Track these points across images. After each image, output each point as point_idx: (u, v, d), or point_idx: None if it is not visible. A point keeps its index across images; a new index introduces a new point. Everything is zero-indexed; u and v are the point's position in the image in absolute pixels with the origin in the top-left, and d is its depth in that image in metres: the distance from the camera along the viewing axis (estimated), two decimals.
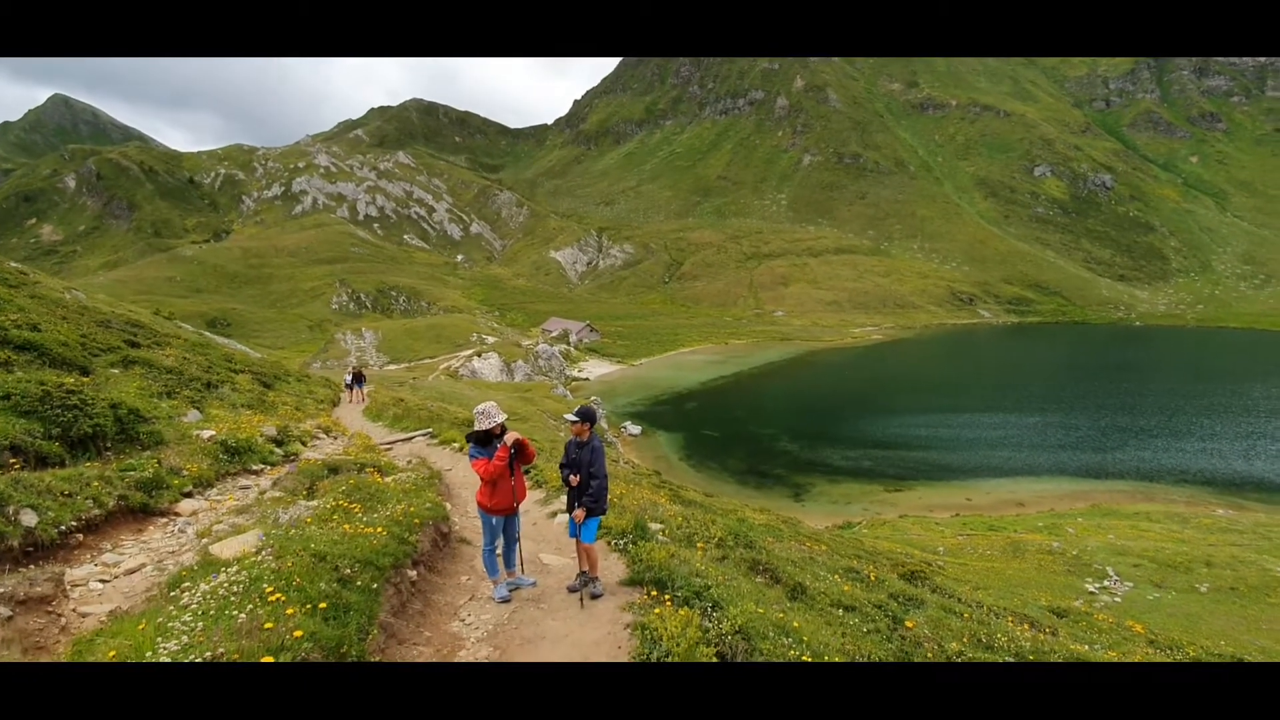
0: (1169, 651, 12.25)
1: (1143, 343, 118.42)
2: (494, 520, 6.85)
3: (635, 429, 57.79)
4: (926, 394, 75.60)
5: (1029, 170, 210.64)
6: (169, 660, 3.89)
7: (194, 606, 4.61)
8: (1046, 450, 51.14)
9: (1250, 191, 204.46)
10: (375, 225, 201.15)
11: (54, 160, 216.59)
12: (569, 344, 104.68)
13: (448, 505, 9.88)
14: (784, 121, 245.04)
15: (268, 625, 4.30)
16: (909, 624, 7.57)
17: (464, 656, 5.73)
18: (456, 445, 16.80)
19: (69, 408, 8.60)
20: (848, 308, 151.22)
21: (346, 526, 6.84)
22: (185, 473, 9.00)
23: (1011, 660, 7.29)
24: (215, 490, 9.41)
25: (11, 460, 7.29)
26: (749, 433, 58.20)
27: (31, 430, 7.91)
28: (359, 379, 28.64)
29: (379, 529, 6.92)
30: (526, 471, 11.88)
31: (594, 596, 6.62)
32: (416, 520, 7.71)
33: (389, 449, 17.02)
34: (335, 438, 16.73)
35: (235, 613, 4.44)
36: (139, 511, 7.60)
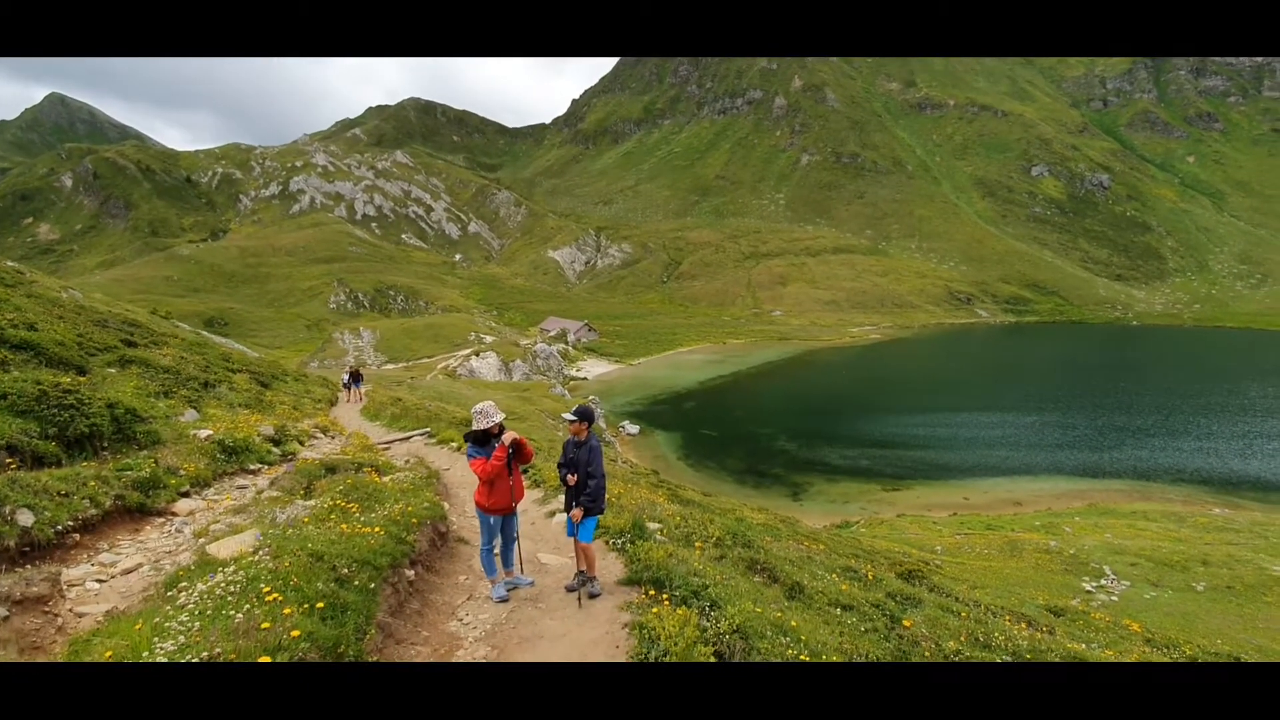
0: (1166, 650, 12.28)
1: (1140, 342, 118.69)
2: (492, 520, 6.85)
3: (633, 428, 57.79)
4: (924, 393, 75.71)
5: (1026, 170, 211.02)
6: (166, 660, 3.88)
7: (191, 606, 4.60)
8: (1044, 450, 51.25)
9: (1247, 191, 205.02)
10: (373, 224, 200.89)
11: (51, 159, 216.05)
12: (567, 343, 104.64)
13: (446, 505, 9.88)
14: (782, 121, 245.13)
15: (265, 625, 4.29)
16: (906, 623, 7.57)
17: (462, 656, 5.73)
18: (454, 445, 16.79)
19: (65, 407, 8.58)
20: (846, 307, 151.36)
21: (344, 526, 6.83)
22: (182, 472, 8.99)
23: (1009, 659, 7.30)
24: (212, 490, 9.40)
25: (8, 460, 7.27)
26: (747, 432, 58.23)
27: (28, 430, 7.89)
28: (356, 378, 28.60)
29: (376, 529, 6.91)
30: (525, 471, 11.88)
31: (592, 596, 6.62)
32: (414, 520, 7.71)
33: (387, 448, 17.00)
34: (333, 437, 16.70)
35: (232, 613, 4.43)
36: (136, 511, 7.59)
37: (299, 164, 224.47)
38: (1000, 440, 53.51)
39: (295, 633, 4.32)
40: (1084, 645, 9.89)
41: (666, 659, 4.95)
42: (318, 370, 67.20)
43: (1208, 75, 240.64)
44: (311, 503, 8.01)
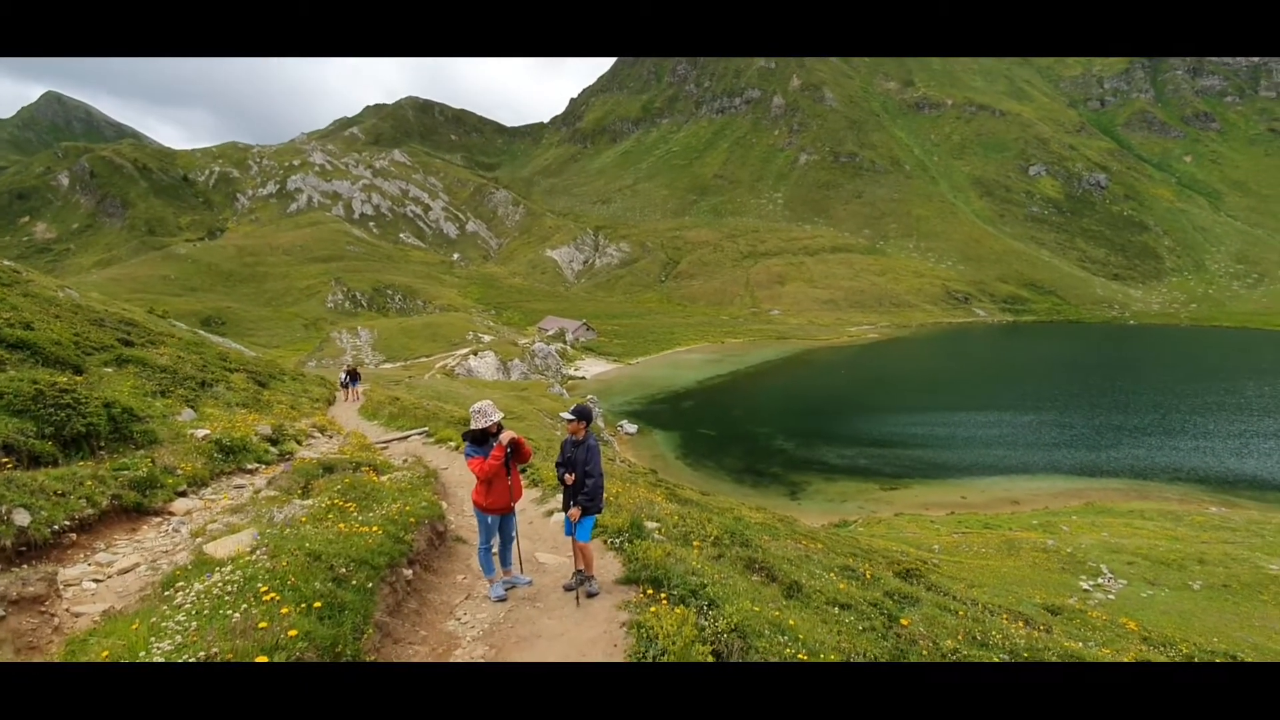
0: (1162, 648, 12.32)
1: (1136, 341, 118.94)
2: (490, 519, 6.84)
3: (632, 428, 57.78)
4: (922, 393, 75.82)
5: (1024, 169, 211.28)
6: (163, 660, 3.87)
7: (188, 606, 4.59)
8: (1041, 449, 51.36)
9: (1243, 191, 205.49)
10: (371, 223, 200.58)
11: (47, 158, 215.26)
12: (565, 343, 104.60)
13: (444, 504, 9.87)
14: (780, 120, 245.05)
15: (262, 625, 4.29)
16: (904, 621, 7.59)
17: (459, 655, 5.73)
18: (452, 444, 16.78)
19: (62, 406, 8.55)
20: (844, 306, 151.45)
21: (342, 525, 6.82)
22: (179, 472, 8.96)
23: (1006, 657, 7.32)
24: (210, 489, 9.37)
25: (4, 459, 7.25)
26: (745, 431, 58.26)
27: (24, 429, 7.87)
28: (354, 377, 28.58)
29: (374, 528, 6.90)
30: (523, 470, 11.87)
31: (590, 595, 6.62)
32: (412, 519, 7.70)
33: (385, 448, 16.98)
34: (330, 436, 16.68)
35: (229, 612, 4.42)
36: (133, 511, 7.57)
37: (296, 163, 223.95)
38: (998, 439, 53.60)
39: (293, 632, 4.31)
40: (1081, 644, 9.91)
41: (664, 658, 4.95)
42: (315, 370, 67.05)
43: (1205, 75, 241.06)
44: (309, 502, 8.00)
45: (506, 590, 6.94)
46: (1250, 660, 13.40)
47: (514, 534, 7.21)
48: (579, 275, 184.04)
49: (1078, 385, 77.61)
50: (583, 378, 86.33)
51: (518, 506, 7.19)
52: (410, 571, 6.92)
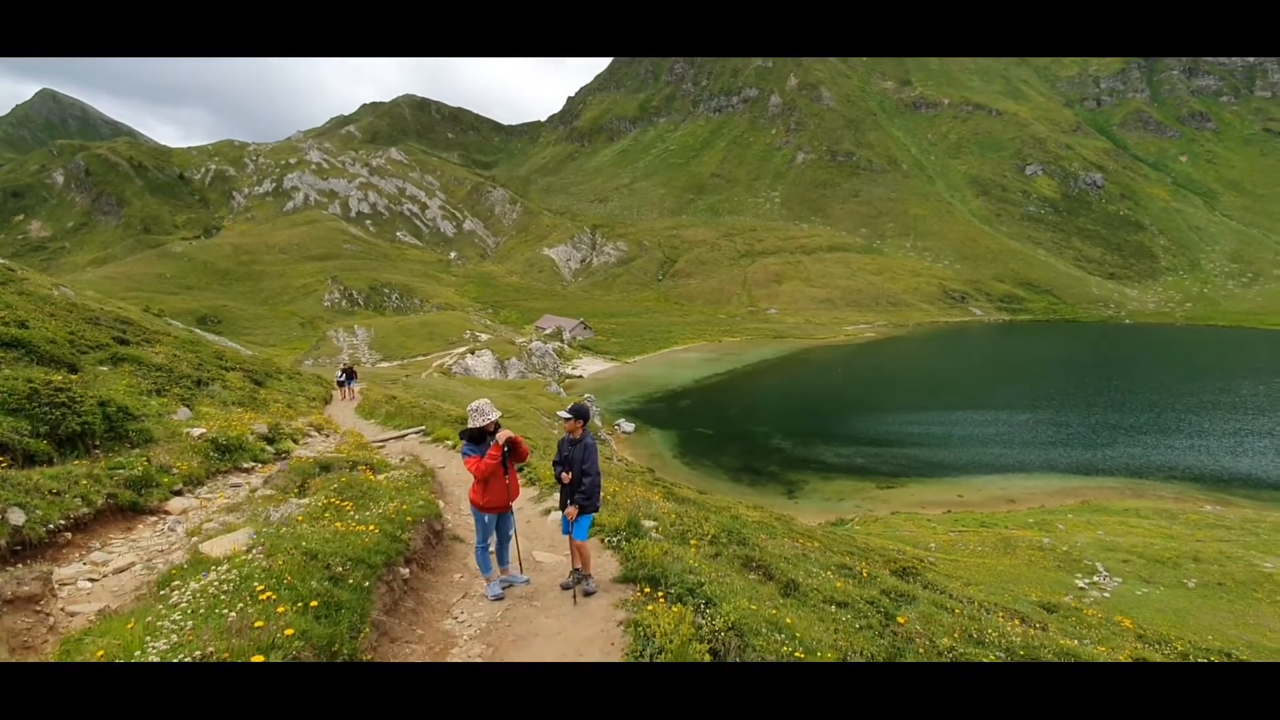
0: (1158, 646, 12.37)
1: (1132, 341, 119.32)
2: (487, 518, 6.84)
3: (629, 426, 57.78)
4: (918, 391, 75.97)
5: (1020, 169, 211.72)
6: (158, 660, 3.86)
7: (184, 605, 4.57)
8: (1037, 447, 51.50)
9: (1239, 191, 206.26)
10: (368, 222, 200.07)
11: (42, 155, 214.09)
12: (563, 341, 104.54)
13: (440, 503, 9.86)
14: (778, 119, 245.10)
15: (258, 624, 4.28)
16: (901, 620, 7.61)
17: (456, 654, 5.72)
18: (449, 443, 16.76)
19: (57, 405, 8.51)
20: (841, 305, 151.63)
21: (338, 524, 6.81)
22: (175, 471, 8.93)
23: (1002, 655, 7.34)
24: (206, 488, 9.35)
25: None
26: (743, 430, 58.31)
27: (19, 428, 7.83)
28: (351, 376, 28.51)
29: (371, 527, 6.89)
30: (520, 469, 11.87)
31: (587, 594, 6.62)
32: (409, 518, 7.69)
33: (381, 447, 16.95)
34: (327, 435, 16.65)
35: (225, 611, 4.40)
36: (128, 510, 7.54)
37: (293, 161, 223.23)
38: (994, 438, 53.73)
39: (289, 631, 4.30)
40: (1076, 642, 9.95)
41: (662, 656, 4.95)
42: (312, 368, 66.89)
43: (1200, 75, 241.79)
44: (305, 501, 7.99)
45: (504, 589, 6.94)
46: (1245, 658, 13.47)
47: (511, 532, 7.20)
48: (576, 274, 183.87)
49: (1073, 384, 77.82)
50: (580, 376, 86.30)
51: (515, 505, 7.19)
52: (407, 570, 6.91)
